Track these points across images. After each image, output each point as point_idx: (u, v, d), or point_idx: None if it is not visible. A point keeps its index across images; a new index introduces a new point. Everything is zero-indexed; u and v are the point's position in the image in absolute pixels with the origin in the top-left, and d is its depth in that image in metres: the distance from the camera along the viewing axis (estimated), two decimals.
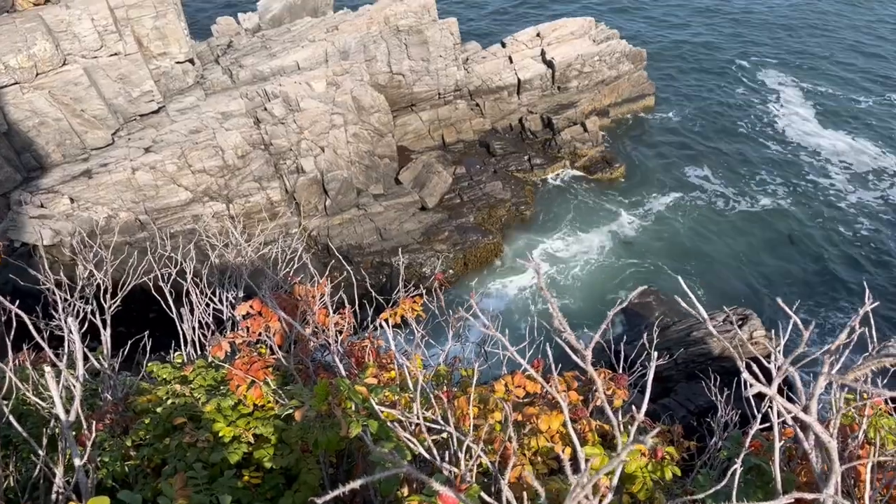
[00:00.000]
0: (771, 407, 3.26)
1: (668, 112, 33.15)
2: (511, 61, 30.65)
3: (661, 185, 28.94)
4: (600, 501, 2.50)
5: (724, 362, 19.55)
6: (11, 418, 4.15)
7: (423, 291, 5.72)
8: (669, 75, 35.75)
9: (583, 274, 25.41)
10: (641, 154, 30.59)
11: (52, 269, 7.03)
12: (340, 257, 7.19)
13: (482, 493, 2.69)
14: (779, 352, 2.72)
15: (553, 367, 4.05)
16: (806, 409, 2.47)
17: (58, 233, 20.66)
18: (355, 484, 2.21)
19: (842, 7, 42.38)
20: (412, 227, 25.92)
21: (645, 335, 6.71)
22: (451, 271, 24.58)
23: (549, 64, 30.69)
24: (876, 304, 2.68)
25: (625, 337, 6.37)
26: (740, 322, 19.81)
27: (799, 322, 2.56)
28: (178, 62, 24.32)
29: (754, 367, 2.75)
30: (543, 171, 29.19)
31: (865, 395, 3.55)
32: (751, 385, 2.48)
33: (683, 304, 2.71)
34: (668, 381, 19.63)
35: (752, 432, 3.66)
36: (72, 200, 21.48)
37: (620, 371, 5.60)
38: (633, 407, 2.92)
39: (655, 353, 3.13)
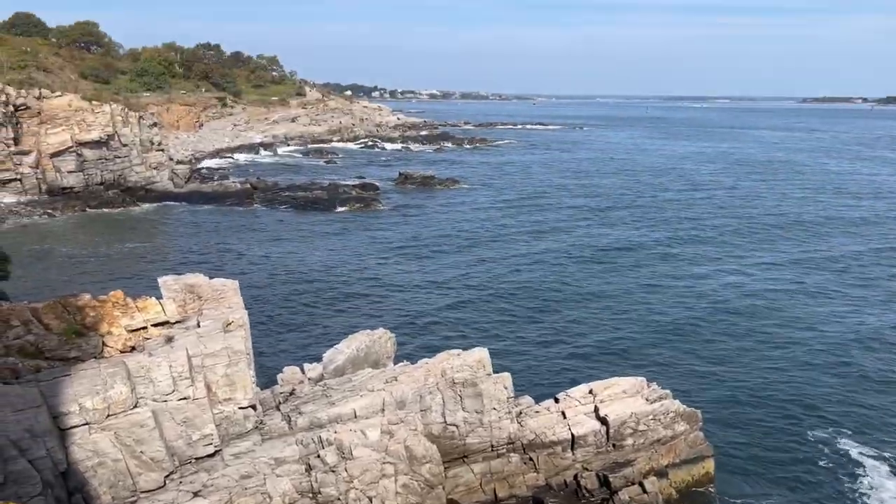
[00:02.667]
0: None
1: (730, 480, 31.46)
2: (564, 416, 30.79)
3: None
4: None
5: None
6: None
7: None
8: (729, 438, 34.90)
9: None
10: None
11: None
12: None
13: None
14: None
15: None
16: None
17: None
18: None
19: None
20: None
21: None
22: None
23: (603, 421, 30.67)
24: None
25: None
26: None
27: None
28: (241, 407, 25.24)
29: None
30: None
31: None
32: None
33: None
34: None
35: None
36: None
37: None
38: None
39: None
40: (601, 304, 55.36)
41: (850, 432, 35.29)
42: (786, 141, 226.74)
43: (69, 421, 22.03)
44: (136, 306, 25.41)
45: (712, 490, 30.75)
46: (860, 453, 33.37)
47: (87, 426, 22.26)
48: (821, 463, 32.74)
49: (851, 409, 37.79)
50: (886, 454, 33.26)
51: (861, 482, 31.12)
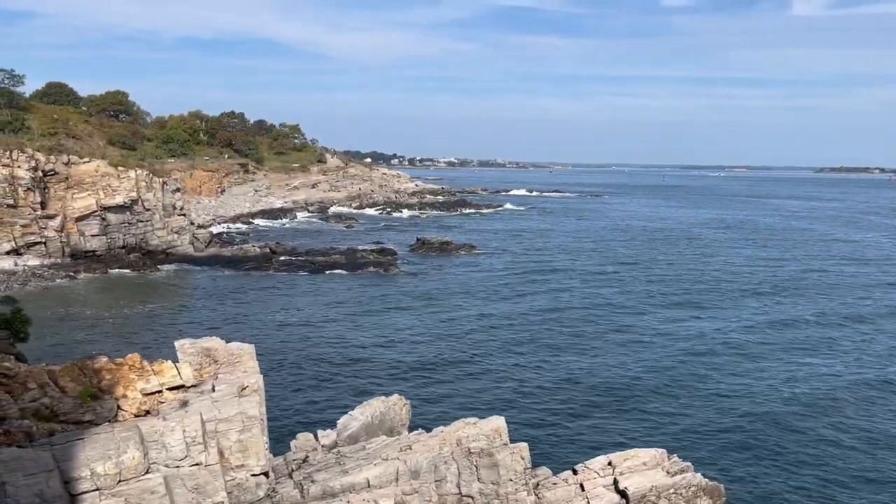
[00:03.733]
0: None
1: None
2: (583, 489, 29.98)
3: None
4: None
5: None
6: None
7: None
8: None
9: None
10: None
11: None
12: None
13: None
14: None
15: None
16: None
17: None
18: None
19: None
20: None
21: None
22: None
23: (623, 494, 29.81)
24: None
25: None
26: None
27: None
28: (253, 474, 24.84)
29: None
30: None
31: None
32: None
33: None
34: None
35: None
36: None
37: None
38: None
39: None
40: (620, 371, 54.59)
41: None
42: (802, 210, 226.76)
43: (80, 486, 21.75)
44: (153, 370, 25.41)
45: None
46: None
47: (97, 492, 21.95)
48: None
49: (885, 487, 36.58)
50: None
51: None
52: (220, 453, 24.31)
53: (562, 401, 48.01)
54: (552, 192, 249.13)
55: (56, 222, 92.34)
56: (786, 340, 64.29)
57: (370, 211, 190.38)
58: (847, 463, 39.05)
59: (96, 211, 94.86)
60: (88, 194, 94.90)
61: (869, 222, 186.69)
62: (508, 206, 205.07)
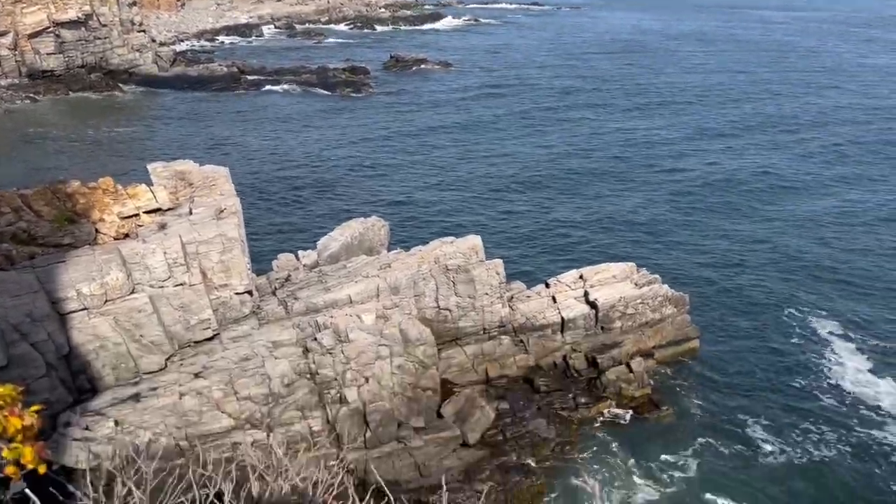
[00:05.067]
0: None
1: (713, 357, 32.92)
2: (555, 301, 31.46)
3: (707, 433, 28.02)
4: None
5: None
6: None
7: None
8: (714, 319, 36.01)
9: None
10: (687, 398, 30.00)
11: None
12: (382, 482, 6.97)
13: None
14: None
15: None
16: None
17: (97, 456, 20.51)
18: None
19: None
20: (452, 463, 25.08)
21: None
22: None
23: (593, 305, 31.37)
24: None
25: None
26: None
27: None
28: (237, 293, 25.60)
29: None
30: (588, 409, 28.62)
31: None
32: None
33: None
34: None
35: None
36: (116, 423, 21.59)
37: None
38: None
39: None
40: (595, 191, 55.39)
41: (823, 313, 36.70)
42: (786, 21, 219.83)
43: (67, 306, 22.36)
44: (127, 193, 25.22)
45: (695, 367, 32.07)
46: (829, 332, 34.92)
47: (85, 311, 22.62)
48: (793, 340, 34.36)
49: (826, 291, 39.00)
50: (851, 334, 34.80)
51: (828, 359, 32.88)
52: (203, 274, 24.85)
53: (537, 221, 49.03)
54: (530, 4, 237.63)
55: (7, 39, 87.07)
56: (769, 159, 65.01)
57: (340, 26, 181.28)
58: (803, 262, 41.23)
59: (49, 27, 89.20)
60: (39, 8, 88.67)
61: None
62: (486, 20, 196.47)
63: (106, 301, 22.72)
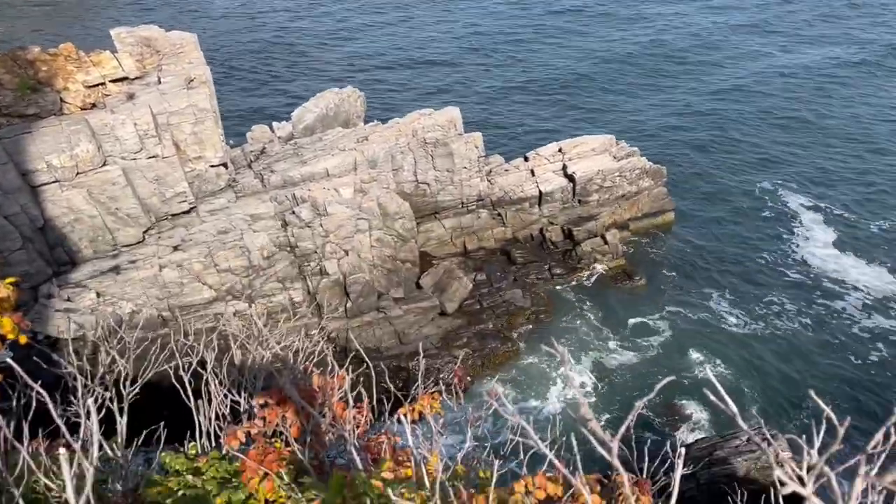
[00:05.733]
0: None
1: (687, 229, 33.47)
2: (533, 174, 31.43)
3: (678, 302, 28.98)
4: None
5: (749, 484, 18.71)
6: (21, 502, 4.07)
7: (443, 388, 5.66)
8: (690, 192, 36.31)
9: (602, 387, 25.05)
10: (659, 269, 30.76)
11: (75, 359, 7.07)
12: (361, 350, 7.19)
13: None
14: (811, 452, 2.63)
15: (579, 463, 3.93)
16: None
17: (81, 326, 20.85)
18: None
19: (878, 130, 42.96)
20: (431, 331, 25.93)
21: (668, 444, 6.52)
22: (468, 379, 24.25)
23: (571, 178, 31.41)
24: None
25: (646, 450, 6.20)
26: (766, 441, 19.12)
27: (833, 416, 2.51)
28: (212, 166, 25.21)
29: (784, 476, 2.64)
30: (563, 280, 29.37)
31: None
32: (784, 485, 2.40)
33: (712, 397, 2.67)
34: (689, 502, 18.79)
35: None
36: (98, 295, 21.81)
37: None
38: None
39: (683, 450, 3.04)
40: (575, 59, 53.95)
41: (794, 186, 37.19)
42: None
43: (38, 178, 21.93)
44: (91, 60, 24.13)
45: (668, 240, 32.71)
46: (800, 204, 35.51)
47: (57, 183, 22.22)
48: (764, 213, 34.92)
49: (797, 165, 39.33)
50: (822, 204, 35.47)
51: (796, 234, 33.60)
52: (176, 146, 24.32)
53: (518, 95, 47.94)
54: None
55: None
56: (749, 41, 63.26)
57: None
58: (774, 140, 41.31)
59: None
60: None
61: None
62: None
63: (78, 173, 22.30)
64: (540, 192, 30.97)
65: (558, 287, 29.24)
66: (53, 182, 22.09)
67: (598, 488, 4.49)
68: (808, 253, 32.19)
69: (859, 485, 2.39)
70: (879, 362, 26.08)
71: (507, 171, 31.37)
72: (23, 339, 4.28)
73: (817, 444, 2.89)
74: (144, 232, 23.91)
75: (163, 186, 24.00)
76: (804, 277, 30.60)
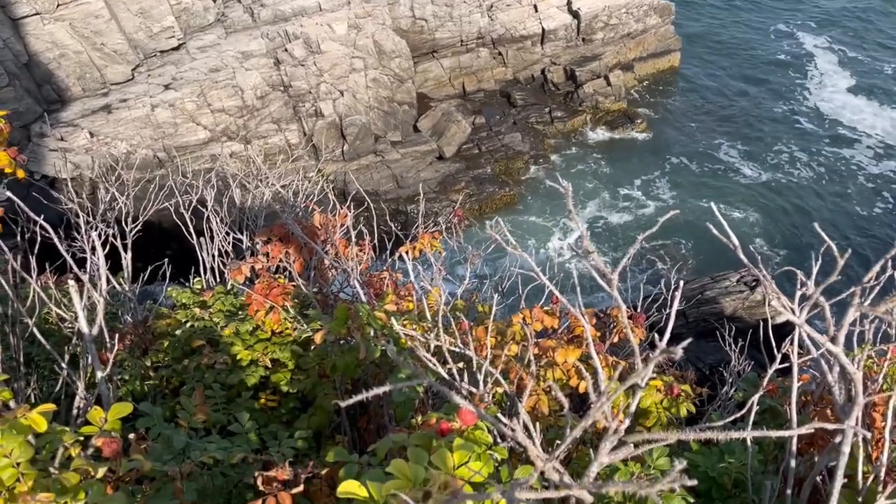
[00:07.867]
0: (791, 345, 3.25)
1: (694, 71, 32.42)
2: (536, 10, 29.99)
3: (682, 147, 28.51)
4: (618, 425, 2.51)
5: (736, 322, 19.50)
6: (36, 331, 4.20)
7: (443, 227, 5.71)
8: (698, 32, 34.86)
9: (601, 230, 25.33)
10: (664, 112, 30.08)
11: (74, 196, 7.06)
12: (362, 190, 7.20)
13: (499, 415, 2.70)
14: (808, 283, 2.68)
15: (577, 293, 4.03)
16: (833, 340, 2.44)
17: (77, 166, 20.76)
18: (378, 391, 2.21)
19: None
20: (429, 175, 25.82)
21: (662, 281, 6.70)
22: (466, 222, 24.54)
23: (575, 14, 30.05)
24: None
25: (641, 286, 6.37)
26: (754, 283, 19.73)
27: (834, 247, 2.53)
28: None
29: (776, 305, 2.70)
30: (564, 123, 28.85)
31: None
32: (778, 312, 2.45)
33: (715, 231, 2.68)
34: (679, 339, 19.60)
35: (769, 373, 3.66)
36: (91, 135, 21.51)
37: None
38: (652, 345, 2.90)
39: (682, 283, 3.10)
40: None
41: (813, 25, 35.65)
42: None
43: (18, 10, 20.92)
44: None
45: (675, 84, 31.83)
46: (815, 45, 34.18)
47: (38, 16, 21.24)
48: (780, 56, 33.66)
49: (813, 5, 37.50)
50: (836, 46, 34.17)
51: (810, 79, 32.45)
52: None
53: None
54: None
55: None
56: None
57: None
58: None
59: None
60: None
61: None
62: None
63: (58, 5, 21.25)
64: (543, 29, 29.70)
65: (558, 131, 28.78)
66: (35, 14, 21.09)
67: (594, 321, 4.66)
68: (821, 97, 31.21)
69: (851, 313, 2.45)
70: (885, 209, 25.96)
71: (509, 6, 29.85)
72: (20, 174, 4.22)
73: (814, 274, 2.94)
74: (133, 69, 23.17)
75: (149, 20, 22.96)
76: (815, 122, 29.83)
